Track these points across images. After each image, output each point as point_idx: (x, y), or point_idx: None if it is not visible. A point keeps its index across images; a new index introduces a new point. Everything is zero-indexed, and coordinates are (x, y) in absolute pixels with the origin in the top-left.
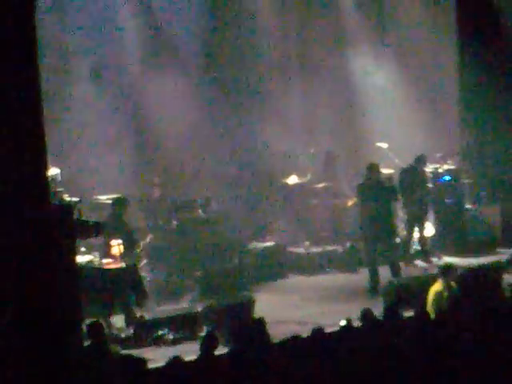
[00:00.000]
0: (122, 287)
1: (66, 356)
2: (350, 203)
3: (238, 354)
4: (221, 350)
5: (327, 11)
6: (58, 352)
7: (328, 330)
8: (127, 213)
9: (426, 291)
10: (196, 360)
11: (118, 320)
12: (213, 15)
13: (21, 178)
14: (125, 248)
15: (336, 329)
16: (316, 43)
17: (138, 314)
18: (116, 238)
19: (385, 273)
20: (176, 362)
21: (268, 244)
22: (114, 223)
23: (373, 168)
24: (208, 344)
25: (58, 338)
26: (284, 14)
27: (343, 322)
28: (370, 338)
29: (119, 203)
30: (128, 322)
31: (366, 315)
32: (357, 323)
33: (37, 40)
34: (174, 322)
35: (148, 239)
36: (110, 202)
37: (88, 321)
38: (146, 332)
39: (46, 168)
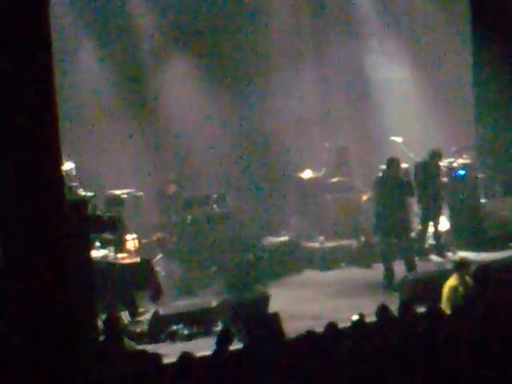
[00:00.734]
0: (134, 282)
1: (80, 353)
2: (364, 198)
3: (253, 349)
4: (236, 346)
5: (341, 4)
6: (71, 349)
7: (342, 325)
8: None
9: (440, 286)
10: (210, 355)
11: None
12: (223, 8)
13: (35, 172)
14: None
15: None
16: (329, 37)
17: (153, 309)
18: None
19: (400, 268)
20: (186, 357)
21: (282, 239)
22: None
23: (392, 163)
24: (223, 339)
25: (73, 334)
26: (297, 7)
27: (355, 317)
28: (385, 334)
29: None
30: (132, 317)
31: (382, 311)
32: (371, 318)
33: (51, 36)
34: (188, 318)
35: (155, 237)
36: (125, 196)
37: (103, 316)
38: (160, 327)
39: (60, 163)
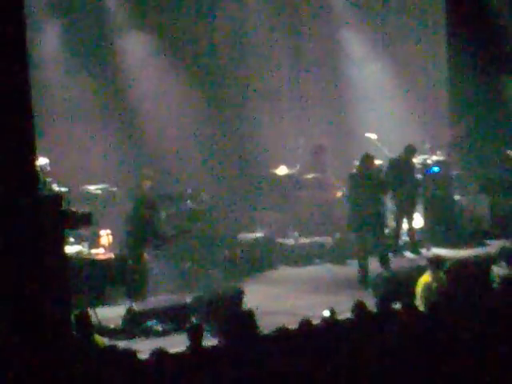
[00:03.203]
0: (111, 278)
1: (59, 350)
2: (339, 194)
3: (227, 345)
4: (210, 342)
5: (320, 5)
6: (50, 346)
7: (316, 321)
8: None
9: (415, 283)
10: (183, 351)
11: (107, 311)
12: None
13: (9, 168)
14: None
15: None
16: (308, 36)
17: (127, 305)
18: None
19: (374, 264)
20: (159, 353)
21: (257, 235)
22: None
23: (365, 159)
24: (192, 335)
25: (50, 332)
26: (277, 10)
27: (327, 313)
28: (362, 331)
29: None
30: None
31: (359, 307)
32: (345, 315)
33: (26, 34)
34: (163, 314)
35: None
36: (99, 192)
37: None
38: (134, 323)
39: (34, 158)
